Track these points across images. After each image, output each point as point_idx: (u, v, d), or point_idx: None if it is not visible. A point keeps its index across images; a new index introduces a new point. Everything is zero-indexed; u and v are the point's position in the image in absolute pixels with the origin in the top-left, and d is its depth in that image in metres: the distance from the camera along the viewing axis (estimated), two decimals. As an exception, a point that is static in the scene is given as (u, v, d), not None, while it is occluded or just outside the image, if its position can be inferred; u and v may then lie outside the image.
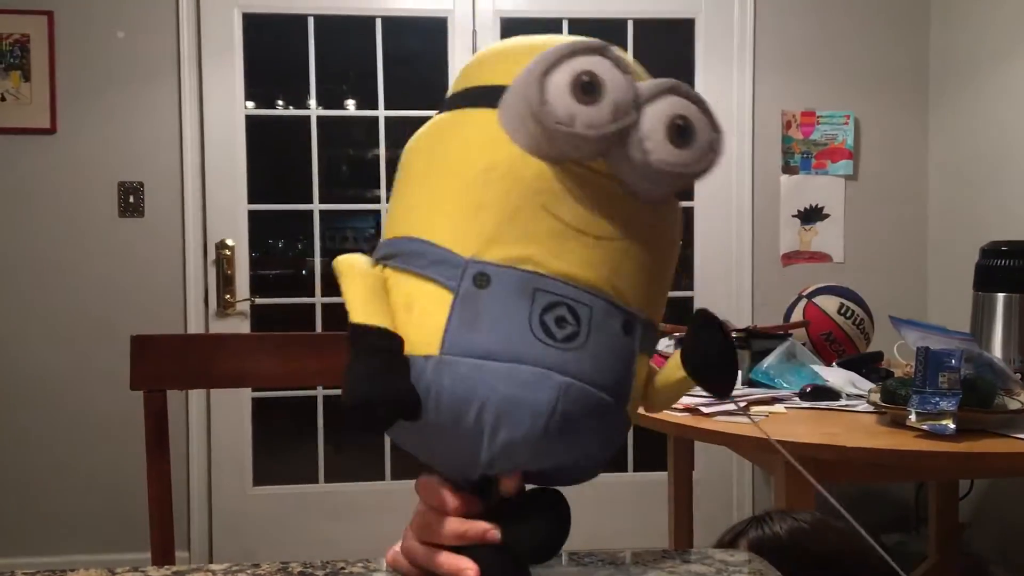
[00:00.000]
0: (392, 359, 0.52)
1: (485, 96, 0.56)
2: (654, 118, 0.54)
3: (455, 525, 0.55)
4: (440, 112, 0.59)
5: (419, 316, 0.53)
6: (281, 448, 3.40)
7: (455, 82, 0.60)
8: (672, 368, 0.60)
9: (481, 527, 0.54)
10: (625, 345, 0.55)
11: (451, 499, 0.55)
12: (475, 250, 0.53)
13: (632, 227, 0.55)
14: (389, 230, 0.57)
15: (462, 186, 0.54)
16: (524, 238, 0.53)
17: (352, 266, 0.55)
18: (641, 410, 0.59)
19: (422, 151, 0.58)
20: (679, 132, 0.54)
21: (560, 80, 0.52)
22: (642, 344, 0.56)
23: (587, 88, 0.52)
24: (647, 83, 0.55)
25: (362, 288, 0.54)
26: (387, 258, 0.56)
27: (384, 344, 0.52)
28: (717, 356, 0.59)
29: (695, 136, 0.54)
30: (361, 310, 0.53)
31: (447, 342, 0.51)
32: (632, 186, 0.55)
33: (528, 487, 0.57)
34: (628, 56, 0.56)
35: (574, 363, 0.52)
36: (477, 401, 0.51)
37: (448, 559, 0.55)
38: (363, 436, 3.01)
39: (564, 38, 0.55)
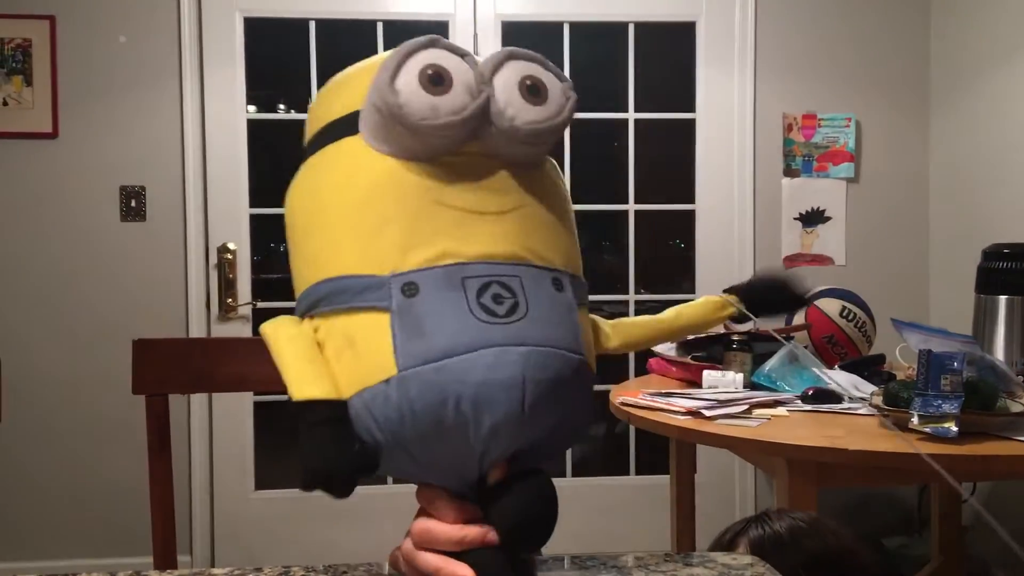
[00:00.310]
0: (338, 427, 0.53)
1: (342, 127, 0.57)
2: (506, 86, 0.56)
3: (453, 532, 0.55)
4: (303, 161, 0.60)
5: (364, 347, 0.53)
6: (283, 452, 3.40)
7: (307, 130, 0.61)
8: (703, 306, 0.67)
9: (479, 531, 0.54)
10: (563, 301, 0.56)
11: (450, 510, 0.55)
12: (393, 264, 0.53)
13: (524, 193, 0.57)
14: (301, 284, 0.57)
15: (355, 211, 0.55)
16: (433, 236, 0.54)
17: (278, 331, 0.56)
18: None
19: (302, 200, 0.59)
20: (532, 91, 0.56)
21: (408, 80, 0.54)
22: (576, 297, 0.57)
23: (435, 79, 0.54)
24: (485, 59, 0.57)
25: (293, 354, 0.55)
26: (311, 308, 0.56)
27: (327, 414, 0.53)
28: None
29: (547, 90, 0.57)
30: (297, 381, 0.54)
31: (400, 358, 0.52)
32: (509, 156, 0.57)
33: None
34: (455, 43, 0.58)
35: (525, 331, 0.53)
36: (451, 399, 0.51)
37: (446, 565, 0.55)
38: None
39: (390, 52, 0.56)
